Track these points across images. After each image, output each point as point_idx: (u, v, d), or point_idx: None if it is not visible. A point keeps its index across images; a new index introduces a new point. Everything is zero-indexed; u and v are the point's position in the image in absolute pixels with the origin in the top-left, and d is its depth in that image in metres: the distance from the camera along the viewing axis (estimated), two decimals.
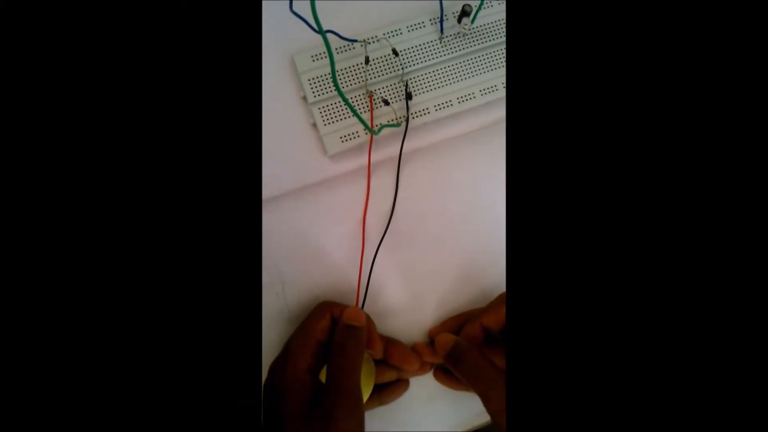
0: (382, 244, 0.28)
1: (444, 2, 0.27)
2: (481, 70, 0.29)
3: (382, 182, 0.29)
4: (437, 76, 0.28)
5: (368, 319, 0.26)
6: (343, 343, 0.24)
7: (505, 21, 0.29)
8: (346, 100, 0.21)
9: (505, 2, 0.29)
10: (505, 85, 0.29)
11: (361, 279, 0.28)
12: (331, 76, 0.22)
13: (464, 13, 0.27)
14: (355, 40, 0.27)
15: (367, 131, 0.27)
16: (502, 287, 0.31)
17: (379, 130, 0.27)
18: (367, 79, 0.27)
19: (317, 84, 0.27)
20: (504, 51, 0.29)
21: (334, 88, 0.20)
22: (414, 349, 0.29)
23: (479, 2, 0.27)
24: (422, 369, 0.29)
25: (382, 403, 0.29)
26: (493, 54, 0.29)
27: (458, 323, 0.29)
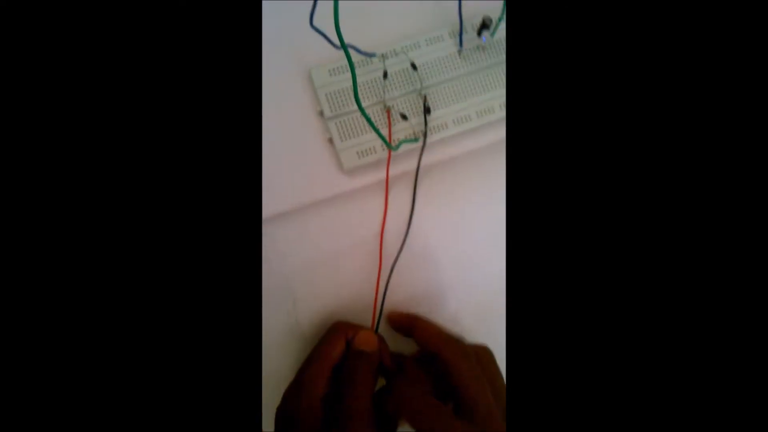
0: (397, 261, 0.28)
1: (463, 15, 0.27)
2: (501, 84, 0.28)
3: (400, 196, 0.29)
4: (456, 90, 0.28)
5: (381, 341, 0.25)
6: (353, 370, 0.23)
7: None
8: (368, 118, 0.20)
9: None
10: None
11: (377, 297, 0.27)
12: (352, 90, 0.22)
13: (484, 25, 0.26)
14: (374, 54, 0.27)
15: (385, 147, 0.27)
16: None
17: (398, 145, 0.26)
18: (384, 94, 0.27)
19: (334, 98, 0.27)
20: None
21: (355, 103, 0.19)
22: None
23: (499, 14, 0.27)
24: None
25: None
26: None
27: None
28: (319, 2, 0.21)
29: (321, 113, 0.27)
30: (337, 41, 0.20)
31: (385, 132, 0.27)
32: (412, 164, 0.28)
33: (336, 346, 0.24)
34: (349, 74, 0.26)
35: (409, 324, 0.26)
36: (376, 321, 0.27)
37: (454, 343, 0.24)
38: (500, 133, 0.29)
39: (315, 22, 0.22)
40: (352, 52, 0.26)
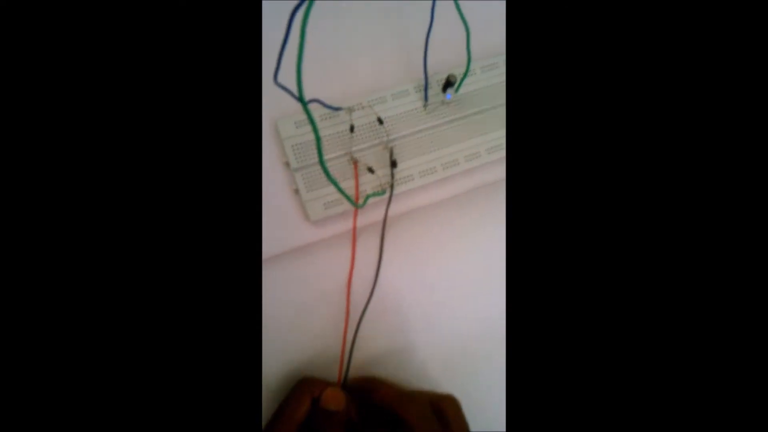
0: (365, 313, 0.27)
1: (428, 71, 0.28)
2: (465, 137, 0.29)
3: (367, 247, 0.29)
4: (422, 143, 0.28)
5: (348, 399, 0.25)
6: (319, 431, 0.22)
7: (487, 90, 0.29)
8: (333, 180, 0.20)
9: (487, 73, 0.29)
10: (488, 151, 0.29)
11: (344, 350, 0.27)
12: (315, 145, 0.22)
13: (448, 83, 0.27)
14: (340, 108, 0.27)
15: (353, 200, 0.27)
16: (482, 357, 0.30)
17: (364, 202, 0.26)
18: (351, 147, 0.27)
19: (301, 150, 0.27)
20: (486, 118, 0.29)
21: (319, 163, 0.19)
22: None
23: (463, 72, 0.28)
24: None
25: None
26: (476, 121, 0.29)
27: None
28: (285, 57, 0.22)
29: (287, 164, 0.27)
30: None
31: (351, 184, 0.27)
32: (379, 214, 0.28)
33: (301, 405, 0.23)
34: None
35: (366, 387, 0.26)
36: (342, 375, 0.26)
37: (416, 403, 0.23)
38: (465, 184, 0.29)
39: (282, 75, 0.23)
40: (318, 105, 0.26)
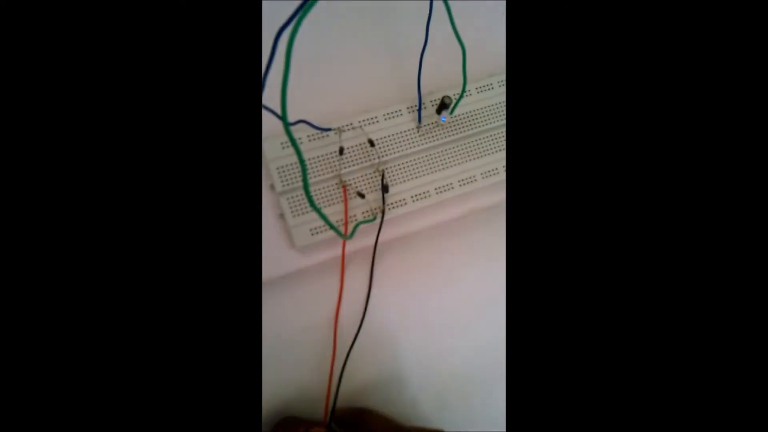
0: (354, 345, 0.26)
1: (422, 90, 0.26)
2: (460, 160, 0.27)
3: (356, 275, 0.27)
4: (414, 166, 0.27)
5: None
6: None
7: (482, 111, 0.28)
8: (320, 214, 0.19)
9: (483, 93, 0.28)
10: (483, 175, 0.28)
11: (331, 386, 0.25)
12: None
13: (443, 105, 0.26)
14: (329, 129, 0.26)
15: (341, 223, 0.25)
16: (479, 391, 0.28)
17: (352, 232, 0.25)
18: (341, 169, 0.26)
19: (287, 173, 0.25)
20: (482, 140, 0.28)
21: (304, 192, 0.18)
22: None
23: (459, 93, 0.26)
24: None
25: None
26: (471, 144, 0.28)
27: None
28: (272, 75, 0.20)
29: (272, 187, 0.25)
30: (288, 119, 0.19)
31: (340, 208, 0.25)
32: (368, 240, 0.27)
33: None
34: (303, 148, 0.25)
35: (355, 419, 0.24)
36: (329, 414, 0.25)
37: None
38: (459, 209, 0.28)
39: (268, 94, 0.21)
40: (305, 126, 0.25)
